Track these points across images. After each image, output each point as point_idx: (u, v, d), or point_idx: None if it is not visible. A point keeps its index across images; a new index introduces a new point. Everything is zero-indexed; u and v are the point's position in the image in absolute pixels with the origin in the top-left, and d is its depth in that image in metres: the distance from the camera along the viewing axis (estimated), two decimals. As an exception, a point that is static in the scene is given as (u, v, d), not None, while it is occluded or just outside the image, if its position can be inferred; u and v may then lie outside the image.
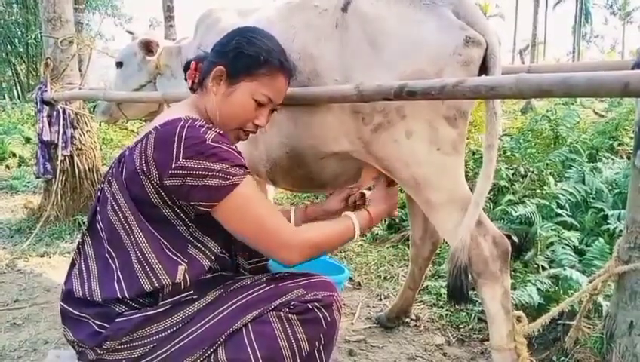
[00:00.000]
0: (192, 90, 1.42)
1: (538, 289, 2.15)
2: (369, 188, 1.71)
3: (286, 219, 1.60)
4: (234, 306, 1.25)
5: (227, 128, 1.35)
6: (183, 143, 1.18)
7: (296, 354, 1.22)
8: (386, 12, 1.46)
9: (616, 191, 2.99)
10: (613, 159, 3.60)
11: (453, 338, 2.26)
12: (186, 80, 1.43)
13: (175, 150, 1.17)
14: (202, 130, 1.21)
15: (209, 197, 1.19)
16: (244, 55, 1.32)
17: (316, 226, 1.37)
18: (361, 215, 1.45)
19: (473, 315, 2.36)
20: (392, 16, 1.45)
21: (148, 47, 2.46)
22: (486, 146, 1.42)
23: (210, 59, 1.36)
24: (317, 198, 4.29)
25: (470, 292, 1.51)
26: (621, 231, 1.61)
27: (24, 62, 19.11)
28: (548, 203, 2.82)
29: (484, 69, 1.45)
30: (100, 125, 7.08)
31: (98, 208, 1.30)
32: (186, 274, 1.25)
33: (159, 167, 1.18)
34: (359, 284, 2.90)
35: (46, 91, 3.86)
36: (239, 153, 1.25)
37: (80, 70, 4.31)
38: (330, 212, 1.64)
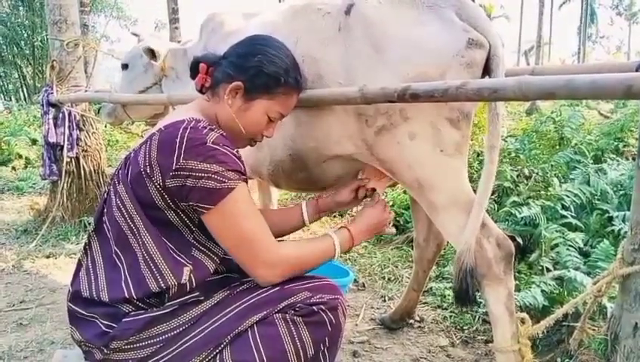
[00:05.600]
0: (201, 92, 1.43)
1: (542, 290, 2.14)
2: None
3: (297, 212, 1.62)
4: (240, 308, 1.26)
5: (238, 138, 1.37)
6: (184, 144, 1.19)
7: (301, 355, 1.23)
8: (388, 15, 1.47)
9: (621, 192, 2.97)
10: (618, 160, 3.57)
11: (458, 339, 2.26)
12: (192, 78, 1.43)
13: (177, 151, 1.19)
14: (205, 131, 1.22)
15: (205, 199, 1.20)
16: (264, 74, 1.33)
17: (299, 245, 1.38)
18: (342, 234, 1.45)
19: (477, 317, 2.36)
20: (394, 19, 1.46)
21: (151, 54, 2.48)
22: (488, 147, 1.43)
23: (227, 70, 1.35)
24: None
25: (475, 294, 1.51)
26: (626, 232, 1.61)
27: (30, 64, 19.22)
28: (552, 204, 2.81)
29: (487, 70, 1.45)
30: (105, 127, 7.12)
31: (105, 209, 1.31)
32: (192, 276, 1.26)
33: (162, 168, 1.20)
34: (363, 286, 2.91)
35: (52, 93, 3.88)
36: (239, 158, 1.26)
37: (86, 72, 4.34)
38: (341, 203, 1.65)
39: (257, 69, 1.33)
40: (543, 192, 2.99)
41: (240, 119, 1.36)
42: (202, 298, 1.28)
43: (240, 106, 1.35)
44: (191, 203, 1.22)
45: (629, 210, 2.34)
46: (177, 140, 1.20)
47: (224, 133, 1.27)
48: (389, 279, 2.98)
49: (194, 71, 1.41)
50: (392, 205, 3.72)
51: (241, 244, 1.25)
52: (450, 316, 2.44)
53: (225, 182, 1.20)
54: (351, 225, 1.50)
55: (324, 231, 1.50)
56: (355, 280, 2.91)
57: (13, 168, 7.29)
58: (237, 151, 1.28)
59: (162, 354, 1.20)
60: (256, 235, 1.25)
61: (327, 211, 1.68)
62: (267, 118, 1.39)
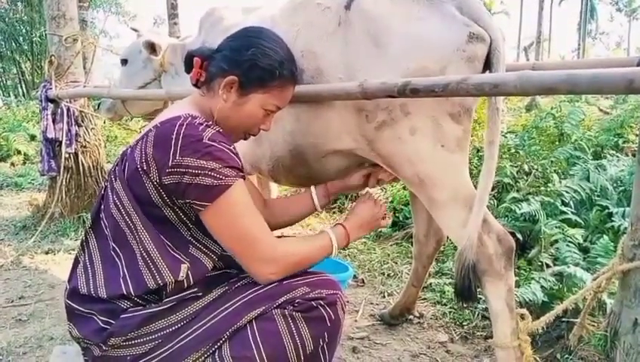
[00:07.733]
0: (196, 86, 1.42)
1: (542, 286, 2.14)
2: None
3: (307, 197, 1.66)
4: (238, 303, 1.25)
5: (233, 132, 1.37)
6: (180, 141, 1.18)
7: (301, 351, 1.23)
8: (389, 9, 1.46)
9: (621, 188, 2.97)
10: (618, 156, 3.56)
11: (457, 335, 2.26)
12: (187, 72, 1.42)
13: (173, 148, 1.18)
14: (201, 127, 1.21)
15: (202, 197, 1.19)
16: (258, 68, 1.32)
17: (297, 242, 1.38)
18: (338, 231, 1.45)
19: (477, 313, 2.36)
20: (395, 13, 1.45)
21: (152, 48, 2.47)
22: (487, 143, 1.42)
23: (221, 64, 1.34)
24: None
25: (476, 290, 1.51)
26: (626, 228, 1.61)
27: (29, 59, 19.18)
28: (552, 200, 2.80)
29: (487, 65, 1.44)
30: (104, 123, 7.10)
31: (102, 206, 1.31)
32: (189, 273, 1.26)
33: (158, 165, 1.19)
34: (363, 281, 2.91)
35: (50, 89, 3.87)
36: (236, 154, 1.25)
37: (84, 68, 4.32)
38: (350, 187, 1.66)
39: (252, 62, 1.31)
40: (542, 188, 2.99)
41: (236, 113, 1.35)
42: (200, 294, 1.27)
43: (235, 100, 1.34)
44: (188, 200, 1.21)
45: (628, 206, 2.34)
46: (173, 137, 1.19)
47: (220, 130, 1.26)
48: (388, 275, 2.98)
49: (188, 65, 1.40)
50: (392, 201, 3.72)
51: (238, 242, 1.24)
52: (450, 312, 2.44)
53: (222, 179, 1.19)
54: (345, 222, 1.50)
55: (323, 228, 1.50)
56: (354, 276, 2.91)
57: (12, 164, 7.29)
58: (234, 148, 1.27)
59: (160, 351, 1.20)
60: (253, 232, 1.24)
61: (337, 194, 1.71)
62: (263, 111, 1.37)
